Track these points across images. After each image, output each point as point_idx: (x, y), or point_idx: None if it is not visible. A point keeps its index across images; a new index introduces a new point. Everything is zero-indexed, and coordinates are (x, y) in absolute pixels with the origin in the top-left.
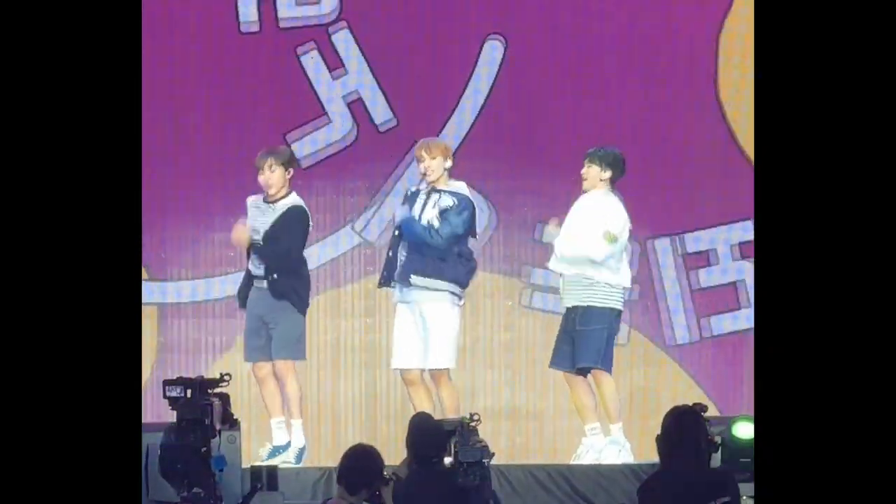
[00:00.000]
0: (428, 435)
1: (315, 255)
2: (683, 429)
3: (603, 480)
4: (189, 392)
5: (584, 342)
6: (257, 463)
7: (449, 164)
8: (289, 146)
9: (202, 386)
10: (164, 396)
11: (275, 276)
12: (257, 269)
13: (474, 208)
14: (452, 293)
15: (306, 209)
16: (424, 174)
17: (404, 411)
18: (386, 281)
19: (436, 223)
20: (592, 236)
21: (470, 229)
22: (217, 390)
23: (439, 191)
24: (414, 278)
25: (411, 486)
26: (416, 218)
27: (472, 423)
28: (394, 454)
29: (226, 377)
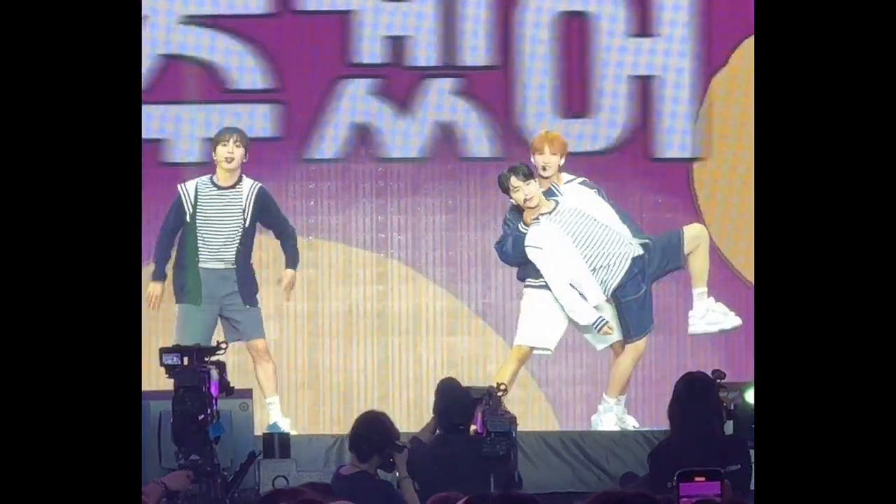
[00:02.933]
0: (456, 401)
1: (326, 223)
2: (694, 395)
3: (615, 447)
4: (186, 360)
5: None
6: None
7: (562, 161)
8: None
9: (199, 354)
10: (161, 364)
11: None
12: (225, 253)
13: None
14: None
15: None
16: (543, 168)
17: (416, 378)
18: None
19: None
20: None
21: None
22: (214, 358)
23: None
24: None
25: (436, 451)
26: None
27: (500, 393)
28: (407, 421)
29: (222, 345)
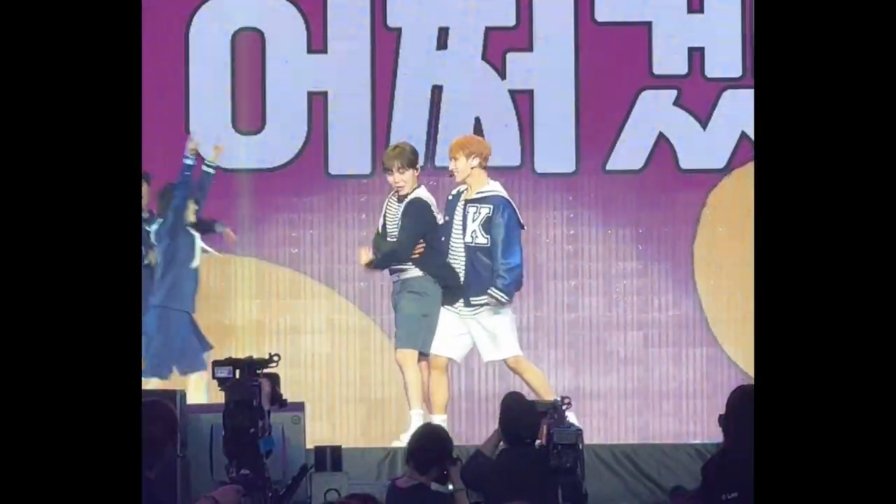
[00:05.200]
0: (521, 415)
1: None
2: (748, 408)
3: (667, 460)
4: (238, 373)
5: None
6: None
7: (476, 161)
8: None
9: (251, 366)
10: (213, 377)
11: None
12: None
13: (510, 203)
14: (506, 302)
15: (426, 200)
16: (452, 173)
17: (469, 391)
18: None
19: (480, 237)
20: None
21: (517, 224)
22: (266, 370)
23: (473, 201)
24: (473, 300)
25: (502, 465)
26: (462, 230)
27: (564, 406)
28: (459, 434)
29: (275, 357)
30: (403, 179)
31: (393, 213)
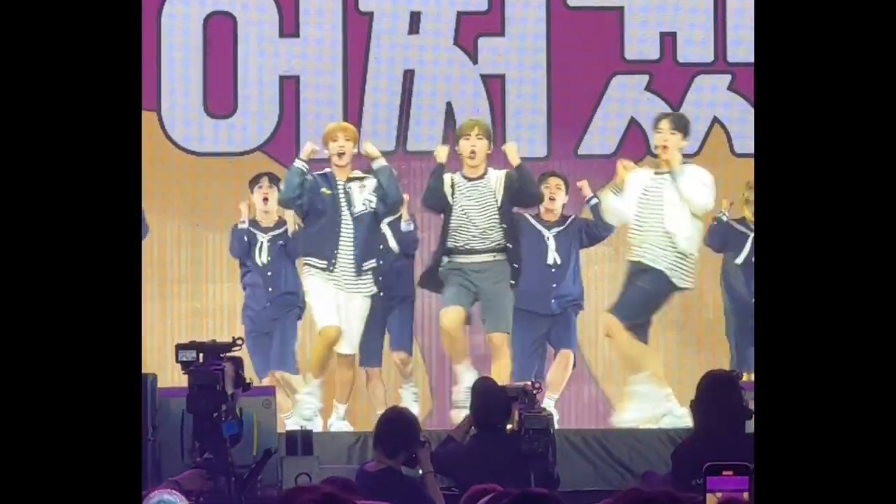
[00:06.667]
0: (492, 400)
1: None
2: (718, 394)
3: (638, 445)
4: (201, 356)
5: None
6: (292, 428)
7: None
8: None
9: (214, 350)
10: (177, 360)
11: None
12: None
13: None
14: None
15: None
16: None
17: (440, 377)
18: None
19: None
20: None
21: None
22: (229, 354)
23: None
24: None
25: (473, 451)
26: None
27: (535, 391)
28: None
29: (238, 341)
30: (479, 147)
31: (467, 193)
